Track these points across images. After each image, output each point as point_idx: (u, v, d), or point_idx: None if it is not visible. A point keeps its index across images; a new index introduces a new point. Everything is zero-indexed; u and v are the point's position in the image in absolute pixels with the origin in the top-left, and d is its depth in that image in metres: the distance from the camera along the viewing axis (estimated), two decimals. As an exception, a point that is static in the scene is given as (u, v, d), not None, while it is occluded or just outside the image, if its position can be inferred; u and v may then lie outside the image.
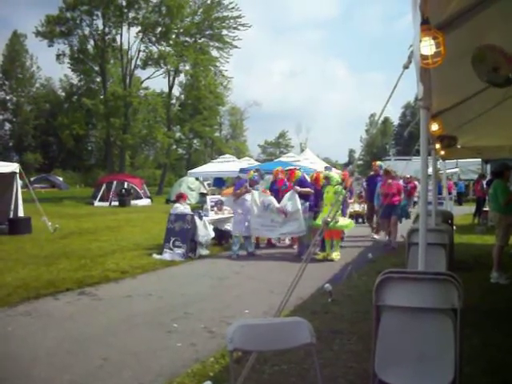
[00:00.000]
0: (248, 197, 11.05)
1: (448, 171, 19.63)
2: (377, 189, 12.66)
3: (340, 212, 10.21)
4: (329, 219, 8.89)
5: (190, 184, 29.21)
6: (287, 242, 12.82)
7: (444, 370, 2.91)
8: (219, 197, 14.46)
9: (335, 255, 10.36)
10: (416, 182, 21.52)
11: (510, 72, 3.60)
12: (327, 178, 10.77)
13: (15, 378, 4.37)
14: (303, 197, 10.84)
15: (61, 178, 50.13)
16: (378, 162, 14.51)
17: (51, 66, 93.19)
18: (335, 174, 11.11)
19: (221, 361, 4.66)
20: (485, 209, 16.75)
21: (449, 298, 3.00)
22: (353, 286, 7.63)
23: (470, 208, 19.06)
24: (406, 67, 3.56)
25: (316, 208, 11.24)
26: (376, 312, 3.16)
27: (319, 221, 10.03)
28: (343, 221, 10.54)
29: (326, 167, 15.30)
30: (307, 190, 10.94)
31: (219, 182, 26.90)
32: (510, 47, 3.58)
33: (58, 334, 5.60)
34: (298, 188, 10.76)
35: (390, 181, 11.97)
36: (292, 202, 10.65)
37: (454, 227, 10.29)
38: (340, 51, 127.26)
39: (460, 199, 27.96)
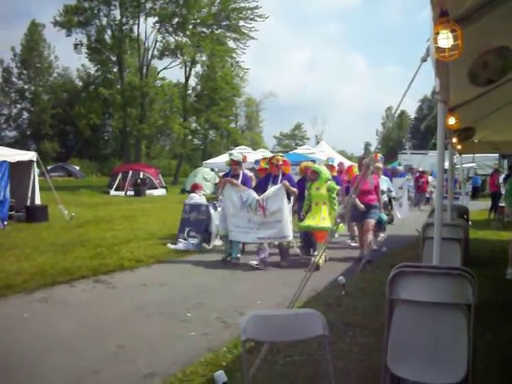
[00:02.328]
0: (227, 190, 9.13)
1: (464, 166, 19.45)
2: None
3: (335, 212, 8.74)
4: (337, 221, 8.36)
5: (206, 175, 29.28)
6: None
7: (457, 365, 2.90)
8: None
9: (321, 259, 8.45)
10: (430, 177, 21.31)
11: (498, 60, 3.58)
12: (315, 173, 9.01)
13: (31, 364, 4.44)
14: (289, 196, 9.12)
15: (77, 167, 50.53)
16: (379, 155, 12.85)
17: (69, 56, 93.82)
18: (325, 169, 9.36)
19: (233, 351, 4.69)
20: (501, 204, 16.60)
21: (463, 294, 2.98)
22: (366, 280, 7.62)
23: (486, 203, 18.87)
24: (423, 60, 3.54)
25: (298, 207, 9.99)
26: (389, 306, 3.16)
27: (309, 222, 8.70)
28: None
29: (328, 158, 13.33)
30: (294, 190, 9.05)
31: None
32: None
33: (74, 320, 5.68)
34: (287, 183, 8.86)
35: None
36: (276, 197, 8.75)
37: (470, 222, 10.20)
38: (358, 43, 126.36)
39: (474, 194, 27.65)
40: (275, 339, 2.95)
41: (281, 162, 9.21)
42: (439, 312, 3.05)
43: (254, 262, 8.64)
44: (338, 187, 9.12)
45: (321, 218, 8.62)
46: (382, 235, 11.38)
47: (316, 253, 8.46)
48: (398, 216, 13.82)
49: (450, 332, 3.01)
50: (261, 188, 9.14)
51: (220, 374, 4.08)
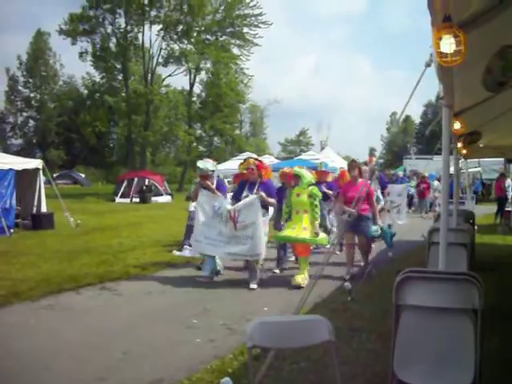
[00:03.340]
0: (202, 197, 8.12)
1: (470, 170, 19.37)
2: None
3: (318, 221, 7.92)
4: (316, 231, 7.70)
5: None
6: None
7: (464, 371, 2.89)
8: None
9: (300, 278, 7.64)
10: (436, 182, 21.17)
11: (499, 63, 3.59)
12: (296, 177, 8.05)
13: (37, 371, 4.45)
14: (265, 207, 8.01)
15: (83, 175, 50.69)
16: (375, 158, 12.85)
17: (74, 64, 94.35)
18: (307, 173, 8.19)
19: (239, 357, 4.68)
20: (507, 209, 16.53)
21: (469, 299, 2.98)
22: (372, 285, 7.60)
23: (492, 208, 18.79)
24: (428, 65, 3.55)
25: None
26: (396, 311, 3.15)
27: (288, 232, 7.82)
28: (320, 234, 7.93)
29: (322, 163, 12.25)
30: (271, 201, 7.98)
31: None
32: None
33: (80, 327, 5.69)
34: (263, 195, 7.70)
35: (358, 180, 8.43)
36: (250, 210, 7.66)
37: (476, 227, 10.16)
38: (363, 48, 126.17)
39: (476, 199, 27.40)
40: (281, 345, 2.95)
41: (253, 167, 7.98)
42: (446, 317, 3.04)
43: (254, 286, 7.68)
44: (320, 193, 8.15)
45: (302, 228, 7.67)
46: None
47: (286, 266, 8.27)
48: (398, 223, 13.53)
49: (456, 337, 3.00)
50: (236, 198, 8.17)
51: (227, 381, 4.08)
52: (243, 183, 8.21)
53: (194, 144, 47.67)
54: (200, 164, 8.22)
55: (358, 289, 7.20)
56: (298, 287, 7.42)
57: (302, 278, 7.63)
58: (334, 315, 5.77)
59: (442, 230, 3.67)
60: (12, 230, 13.56)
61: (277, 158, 37.59)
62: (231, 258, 8.16)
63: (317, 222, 7.77)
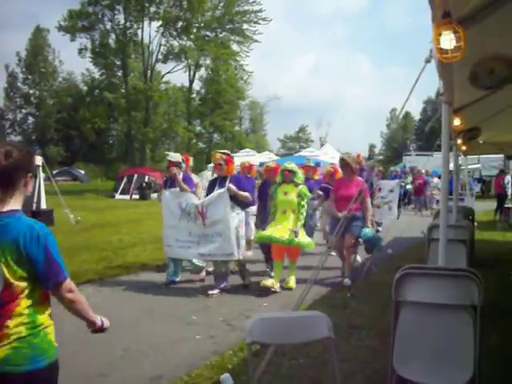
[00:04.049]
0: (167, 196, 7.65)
1: (470, 167, 19.36)
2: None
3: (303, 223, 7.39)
4: (295, 230, 7.04)
5: (210, 178, 29.27)
6: None
7: (463, 367, 2.89)
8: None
9: (292, 281, 7.30)
10: (434, 178, 20.90)
11: (504, 70, 3.58)
12: (290, 173, 7.40)
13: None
14: (241, 204, 7.43)
15: (83, 171, 50.65)
16: (362, 155, 11.42)
17: (73, 61, 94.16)
18: (299, 170, 7.70)
19: (239, 353, 4.70)
20: (507, 205, 16.53)
21: (469, 295, 2.98)
22: (372, 282, 7.60)
23: (491, 204, 18.80)
24: (427, 61, 3.54)
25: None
26: (395, 307, 3.16)
27: (271, 232, 7.14)
28: (303, 237, 7.35)
29: (310, 159, 11.90)
30: (243, 194, 7.21)
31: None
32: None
33: (79, 324, 5.67)
34: (232, 187, 7.03)
35: (352, 177, 7.80)
36: (218, 204, 7.03)
37: (475, 223, 10.16)
38: (363, 45, 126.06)
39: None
40: (281, 341, 2.95)
41: (221, 162, 7.31)
42: (445, 314, 3.04)
43: (215, 292, 7.07)
44: (309, 193, 7.67)
45: (287, 230, 7.09)
46: (357, 258, 8.83)
47: (273, 273, 7.49)
48: (389, 218, 12.69)
49: (456, 334, 3.01)
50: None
51: (226, 377, 4.09)
52: (215, 181, 7.56)
53: (194, 141, 47.69)
54: (170, 153, 7.99)
55: (357, 285, 7.21)
56: (290, 289, 7.14)
57: (292, 282, 7.29)
58: (334, 312, 5.77)
59: (442, 227, 3.67)
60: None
61: (276, 154, 37.60)
62: (204, 259, 7.55)
63: (300, 223, 7.20)
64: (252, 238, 9.20)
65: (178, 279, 7.73)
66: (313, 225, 9.80)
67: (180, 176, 7.48)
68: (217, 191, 7.10)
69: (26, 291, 2.28)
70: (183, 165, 7.87)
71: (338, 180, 8.30)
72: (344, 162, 7.74)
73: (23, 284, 2.27)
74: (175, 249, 7.48)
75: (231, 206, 7.08)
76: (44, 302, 2.37)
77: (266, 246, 7.70)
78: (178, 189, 7.45)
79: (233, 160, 7.63)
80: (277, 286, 7.09)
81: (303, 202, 7.27)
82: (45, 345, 2.37)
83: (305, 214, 7.34)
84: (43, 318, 2.37)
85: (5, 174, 2.29)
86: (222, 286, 7.17)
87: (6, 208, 2.28)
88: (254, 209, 9.17)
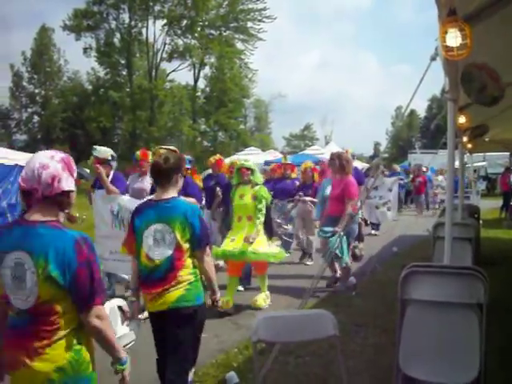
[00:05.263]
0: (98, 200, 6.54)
1: (475, 165, 19.26)
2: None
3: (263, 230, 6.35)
4: (251, 239, 6.02)
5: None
6: None
7: (469, 365, 2.89)
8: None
9: (262, 299, 6.32)
10: (440, 177, 20.55)
11: (496, 91, 3.56)
12: (247, 171, 6.33)
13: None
14: None
15: (88, 170, 50.55)
16: (350, 150, 9.97)
17: (78, 60, 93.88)
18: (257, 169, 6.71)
19: (244, 352, 4.71)
20: (513, 203, 16.46)
21: (474, 293, 2.98)
22: (377, 280, 7.60)
23: (497, 202, 18.73)
24: (433, 59, 3.53)
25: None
26: (401, 306, 3.15)
27: (226, 246, 6.21)
28: (269, 246, 6.34)
29: (286, 156, 11.25)
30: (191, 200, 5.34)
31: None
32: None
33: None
34: None
35: (341, 175, 6.98)
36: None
37: (481, 221, 10.13)
38: (369, 43, 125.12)
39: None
40: (286, 340, 2.95)
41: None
42: (451, 312, 3.04)
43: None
44: (269, 195, 6.66)
45: (243, 239, 6.08)
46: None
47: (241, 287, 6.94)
48: (388, 219, 12.34)
49: (461, 332, 3.00)
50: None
51: (232, 376, 4.10)
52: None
53: (199, 139, 47.67)
54: (97, 148, 6.74)
55: (362, 284, 7.20)
56: (259, 309, 6.19)
57: (263, 299, 6.35)
58: (339, 310, 5.77)
59: (447, 225, 3.66)
60: (17, 226, 13.61)
61: (281, 152, 37.56)
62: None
63: (255, 230, 6.12)
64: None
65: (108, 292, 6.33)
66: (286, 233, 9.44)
67: (110, 175, 6.41)
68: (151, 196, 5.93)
69: (189, 251, 3.38)
70: (113, 163, 6.65)
71: (328, 179, 7.57)
72: (335, 156, 7.14)
73: (187, 245, 3.35)
74: (111, 262, 6.20)
75: None
76: (199, 259, 3.44)
77: None
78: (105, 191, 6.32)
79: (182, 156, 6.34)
80: (268, 300, 6.42)
81: (260, 206, 6.18)
82: (201, 288, 3.48)
83: (262, 219, 6.23)
84: (198, 270, 3.47)
85: (165, 173, 3.45)
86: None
87: (167, 196, 3.43)
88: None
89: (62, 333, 2.15)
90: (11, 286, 2.13)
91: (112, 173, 6.50)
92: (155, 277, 3.36)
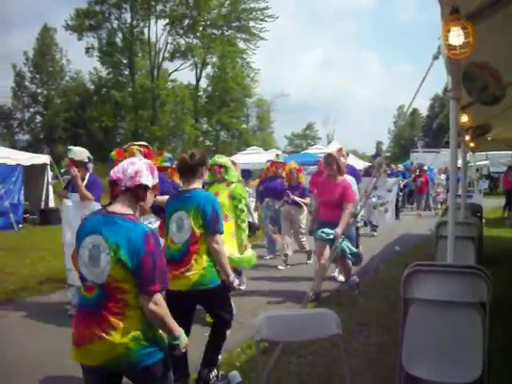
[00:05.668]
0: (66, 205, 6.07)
1: (478, 163, 19.20)
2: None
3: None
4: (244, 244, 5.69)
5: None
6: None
7: (472, 364, 2.89)
8: (246, 188, 14.41)
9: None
10: (443, 175, 20.38)
11: (497, 90, 3.56)
12: (221, 168, 5.74)
13: (48, 365, 4.53)
14: (159, 210, 5.01)
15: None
16: (345, 148, 9.01)
17: (80, 59, 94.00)
18: (232, 166, 6.08)
19: (247, 351, 4.71)
20: (516, 202, 16.43)
21: (477, 292, 2.97)
22: (380, 279, 7.59)
23: (499, 201, 18.71)
24: (435, 58, 3.52)
25: None
26: (404, 305, 3.15)
27: None
28: (245, 250, 5.75)
29: (278, 154, 10.95)
30: (164, 199, 4.55)
31: (246, 174, 26.99)
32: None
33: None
34: None
35: (337, 178, 6.50)
36: None
37: (483, 220, 10.11)
38: (371, 42, 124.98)
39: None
40: (289, 339, 2.95)
41: (138, 156, 5.47)
42: (454, 311, 3.04)
43: None
44: (246, 194, 6.45)
45: None
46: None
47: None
48: (386, 222, 11.81)
49: (465, 331, 3.00)
50: None
51: (234, 375, 4.10)
52: None
53: (201, 138, 47.73)
54: (72, 148, 6.21)
55: (365, 282, 7.20)
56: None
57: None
58: (342, 309, 5.77)
59: (450, 224, 3.66)
60: (20, 225, 13.66)
61: (284, 151, 37.53)
62: None
63: (244, 234, 5.79)
64: None
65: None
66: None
67: (86, 178, 5.97)
68: None
69: (202, 237, 3.72)
70: (90, 165, 6.17)
71: (322, 181, 6.95)
72: (332, 160, 6.58)
73: (200, 230, 3.71)
74: (74, 273, 5.41)
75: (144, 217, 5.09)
76: (209, 244, 3.74)
77: None
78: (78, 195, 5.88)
79: (153, 154, 6.06)
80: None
81: (241, 205, 5.73)
82: (215, 272, 3.80)
83: (246, 220, 5.98)
84: (211, 255, 3.78)
85: (191, 168, 3.87)
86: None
87: (191, 187, 3.86)
88: None
89: (132, 308, 2.47)
90: (87, 263, 2.51)
91: (88, 176, 6.02)
92: (175, 259, 3.76)
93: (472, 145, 8.29)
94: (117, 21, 41.33)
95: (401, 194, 16.62)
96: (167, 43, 42.65)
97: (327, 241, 6.20)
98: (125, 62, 42.68)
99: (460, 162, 7.68)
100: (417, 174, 19.13)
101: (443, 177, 20.08)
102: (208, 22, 42.53)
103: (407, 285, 3.12)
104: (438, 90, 61.15)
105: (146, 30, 42.03)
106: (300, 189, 8.78)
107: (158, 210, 5.12)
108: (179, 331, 2.63)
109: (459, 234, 4.44)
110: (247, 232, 6.03)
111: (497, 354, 3.66)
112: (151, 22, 41.45)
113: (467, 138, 7.24)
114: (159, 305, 2.48)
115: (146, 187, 2.66)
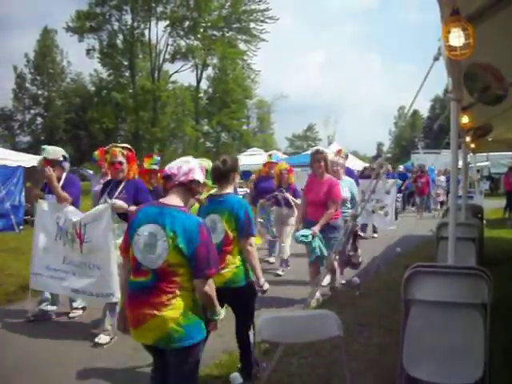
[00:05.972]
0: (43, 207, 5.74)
1: (478, 164, 19.19)
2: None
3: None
4: None
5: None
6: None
7: (473, 365, 2.89)
8: (247, 189, 14.43)
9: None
10: (442, 177, 20.26)
11: (499, 90, 3.56)
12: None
13: (50, 365, 4.53)
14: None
15: (91, 171, 50.48)
16: (344, 150, 9.02)
17: (81, 61, 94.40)
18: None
19: (248, 352, 4.70)
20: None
21: (479, 293, 2.97)
22: (381, 280, 7.59)
23: (500, 202, 18.70)
24: (436, 59, 3.53)
25: None
26: (405, 306, 3.15)
27: None
28: None
29: (271, 155, 10.64)
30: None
31: (247, 175, 26.99)
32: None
33: (92, 323, 5.72)
34: (119, 203, 5.14)
35: (324, 176, 6.30)
36: (98, 224, 5.13)
37: (484, 221, 10.10)
38: (372, 43, 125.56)
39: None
40: (290, 340, 2.96)
41: (121, 159, 5.35)
42: (455, 312, 3.04)
43: (103, 340, 5.12)
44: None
45: None
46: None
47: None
48: (386, 228, 11.33)
49: (465, 332, 3.00)
50: (94, 204, 6.08)
51: (236, 376, 4.10)
52: (106, 186, 5.61)
53: (202, 140, 47.71)
54: (46, 147, 5.93)
55: (366, 284, 7.20)
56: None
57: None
58: (343, 310, 5.77)
59: (451, 225, 3.66)
60: (21, 227, 13.64)
61: (284, 153, 37.52)
62: (78, 296, 5.70)
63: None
64: None
65: (55, 308, 6.01)
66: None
67: (63, 178, 5.77)
68: (98, 206, 5.30)
69: (235, 239, 3.95)
70: (66, 164, 5.91)
71: (309, 180, 6.63)
72: (320, 156, 6.34)
73: (233, 233, 3.94)
74: (44, 279, 5.50)
75: (118, 225, 5.15)
76: (242, 247, 3.96)
77: None
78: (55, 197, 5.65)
79: (135, 158, 5.65)
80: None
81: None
82: (246, 272, 4.03)
83: None
84: (242, 255, 4.00)
85: (223, 174, 4.05)
86: (110, 329, 5.24)
87: (224, 191, 4.05)
88: None
89: (182, 289, 2.79)
90: (142, 250, 2.81)
91: (64, 175, 5.81)
92: None
93: (473, 146, 8.29)
94: (117, 22, 41.27)
95: (400, 195, 16.41)
96: (168, 45, 42.60)
97: (307, 244, 6.06)
98: (125, 63, 42.61)
99: (461, 163, 7.69)
100: (418, 174, 19.03)
101: (443, 178, 20.02)
102: (209, 24, 42.45)
103: (408, 286, 3.12)
104: (439, 91, 61.19)
105: (146, 32, 41.96)
106: (291, 189, 8.60)
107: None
108: (220, 309, 3.09)
109: (460, 235, 4.44)
110: None
111: (498, 355, 3.66)
112: (152, 23, 41.40)
113: (468, 139, 7.23)
114: (211, 286, 2.87)
115: (198, 182, 3.04)
